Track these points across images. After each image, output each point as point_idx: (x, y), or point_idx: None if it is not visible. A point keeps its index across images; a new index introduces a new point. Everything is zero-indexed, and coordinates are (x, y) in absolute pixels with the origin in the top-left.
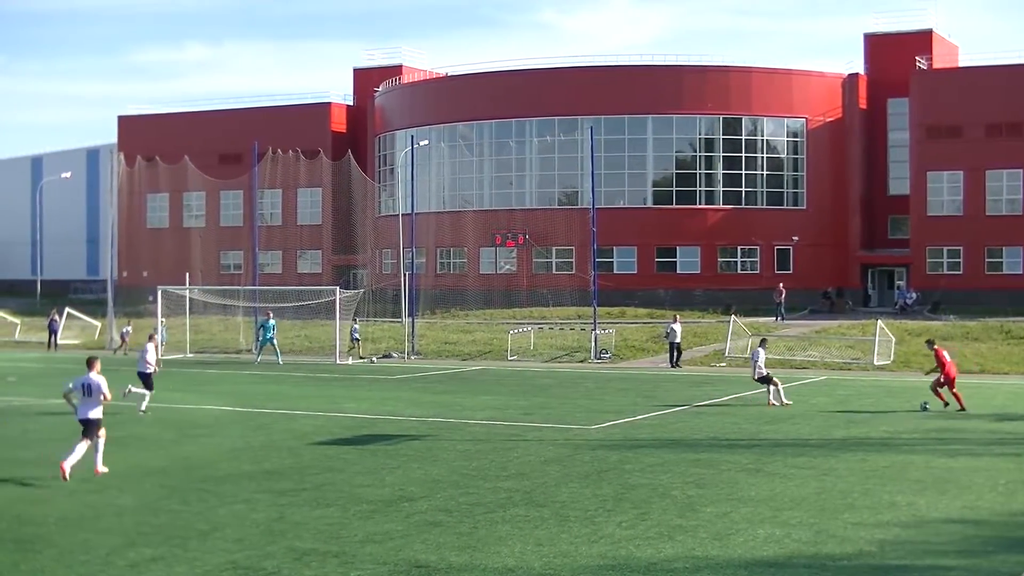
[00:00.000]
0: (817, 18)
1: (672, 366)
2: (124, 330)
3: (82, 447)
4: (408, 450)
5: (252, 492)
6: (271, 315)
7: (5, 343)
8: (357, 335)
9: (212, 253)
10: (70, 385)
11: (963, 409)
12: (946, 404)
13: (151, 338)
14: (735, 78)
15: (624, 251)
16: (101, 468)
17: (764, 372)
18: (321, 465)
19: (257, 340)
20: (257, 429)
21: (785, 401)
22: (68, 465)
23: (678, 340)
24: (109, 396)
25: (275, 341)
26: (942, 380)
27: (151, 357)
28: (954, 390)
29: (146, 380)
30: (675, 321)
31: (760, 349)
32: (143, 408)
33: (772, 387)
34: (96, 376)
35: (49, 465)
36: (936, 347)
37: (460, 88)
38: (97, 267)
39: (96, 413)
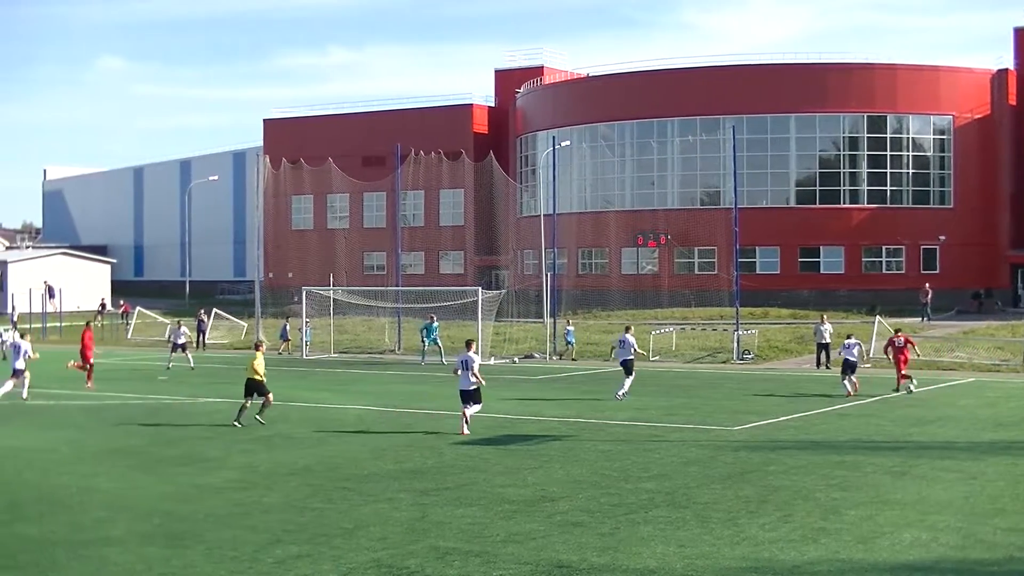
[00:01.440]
0: (963, 12)
1: (819, 367)
2: (284, 327)
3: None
4: (549, 450)
5: (395, 491)
6: (434, 318)
7: (157, 343)
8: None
9: (356, 254)
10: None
11: (901, 390)
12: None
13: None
14: (880, 75)
15: (767, 251)
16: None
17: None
18: (463, 465)
19: (422, 342)
20: (401, 428)
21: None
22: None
23: (826, 340)
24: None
25: (439, 341)
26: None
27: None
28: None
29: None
30: (823, 321)
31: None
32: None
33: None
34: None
35: (196, 462)
36: (903, 335)
37: (601, 88)
38: (244, 268)
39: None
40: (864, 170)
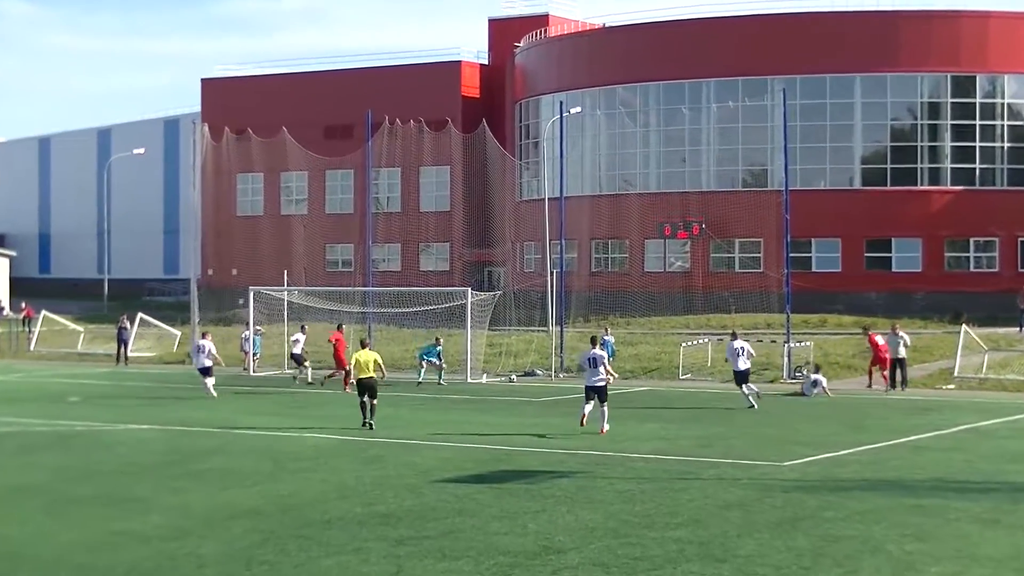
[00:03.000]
0: None
1: (892, 387)
2: (245, 336)
3: None
4: (555, 490)
5: (364, 540)
6: (440, 341)
7: (67, 355)
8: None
9: (317, 246)
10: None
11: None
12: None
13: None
14: (968, 25)
15: (825, 244)
16: None
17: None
18: (448, 507)
19: (420, 366)
20: (369, 462)
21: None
22: None
23: (901, 355)
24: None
25: (441, 356)
26: (874, 362)
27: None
28: (884, 371)
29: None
30: (895, 332)
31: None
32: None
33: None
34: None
35: (117, 503)
36: (870, 333)
37: (620, 42)
38: (176, 264)
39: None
40: (947, 143)
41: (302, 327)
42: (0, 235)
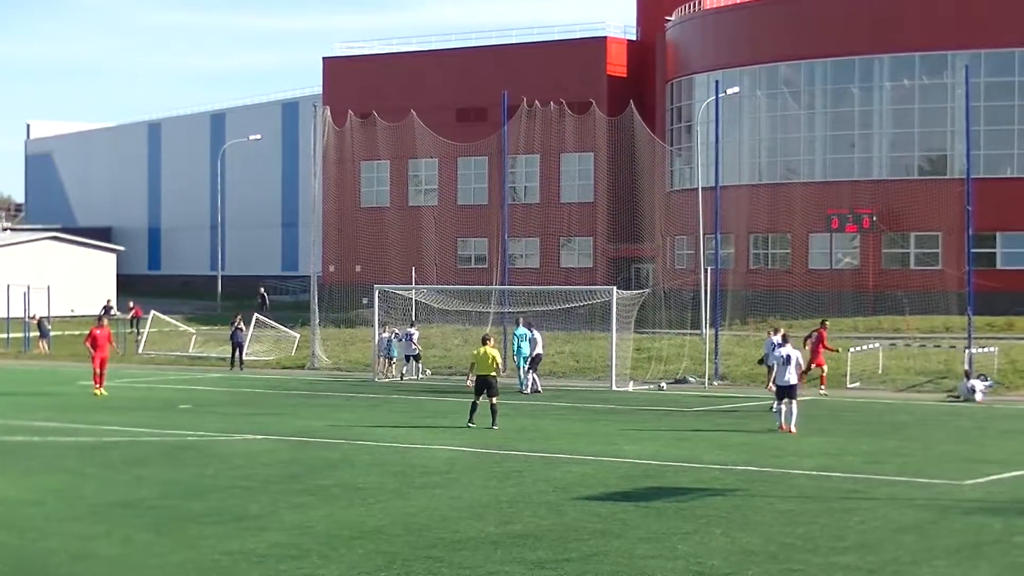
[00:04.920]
0: None
1: None
2: (390, 336)
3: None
4: (708, 509)
5: (498, 563)
6: (524, 322)
7: (178, 359)
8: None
9: (448, 241)
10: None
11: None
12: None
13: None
14: None
15: (1012, 238)
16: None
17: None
18: (591, 528)
19: (515, 362)
20: (505, 477)
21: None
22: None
23: None
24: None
25: (524, 361)
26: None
27: None
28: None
29: None
30: None
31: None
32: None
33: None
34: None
35: (230, 520)
36: (822, 330)
37: (783, 14)
38: (295, 259)
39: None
40: None
41: (412, 323)
42: (106, 229)
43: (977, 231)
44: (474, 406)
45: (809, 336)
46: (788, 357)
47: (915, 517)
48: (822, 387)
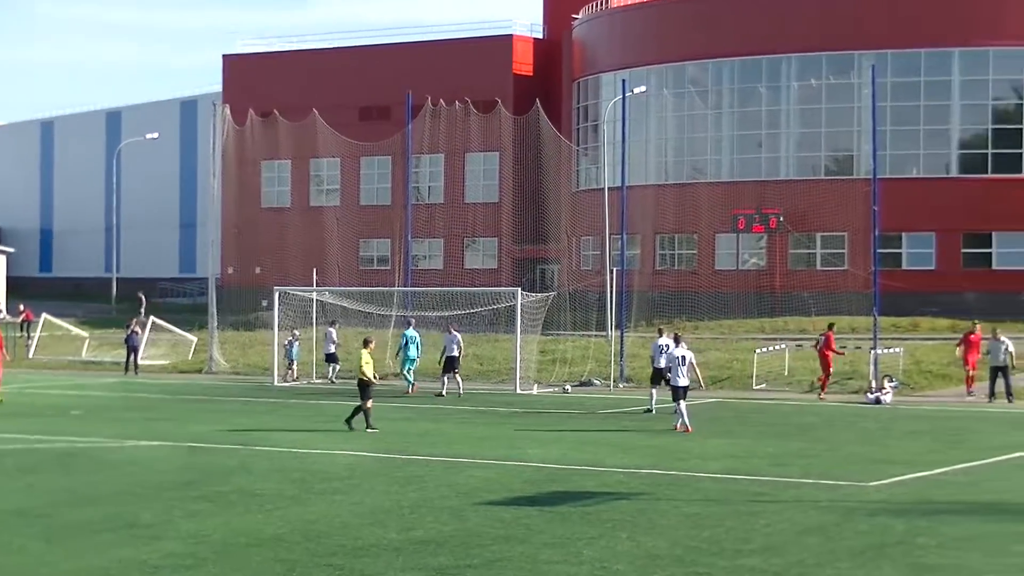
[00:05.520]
0: None
1: (993, 399)
2: (288, 342)
3: None
4: (614, 513)
5: (400, 569)
6: (412, 323)
7: (70, 363)
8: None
9: (349, 242)
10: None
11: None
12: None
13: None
14: None
15: (918, 239)
16: None
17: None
18: (494, 533)
19: (402, 364)
20: (407, 483)
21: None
22: None
23: (1002, 362)
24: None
25: (413, 366)
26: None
27: None
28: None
29: None
30: (997, 337)
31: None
32: None
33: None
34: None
35: (123, 528)
36: (829, 333)
37: (689, 14)
38: (193, 262)
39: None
40: None
41: (332, 323)
42: None
43: (883, 231)
44: (357, 410)
45: (817, 342)
46: (683, 358)
47: (820, 519)
48: (822, 394)
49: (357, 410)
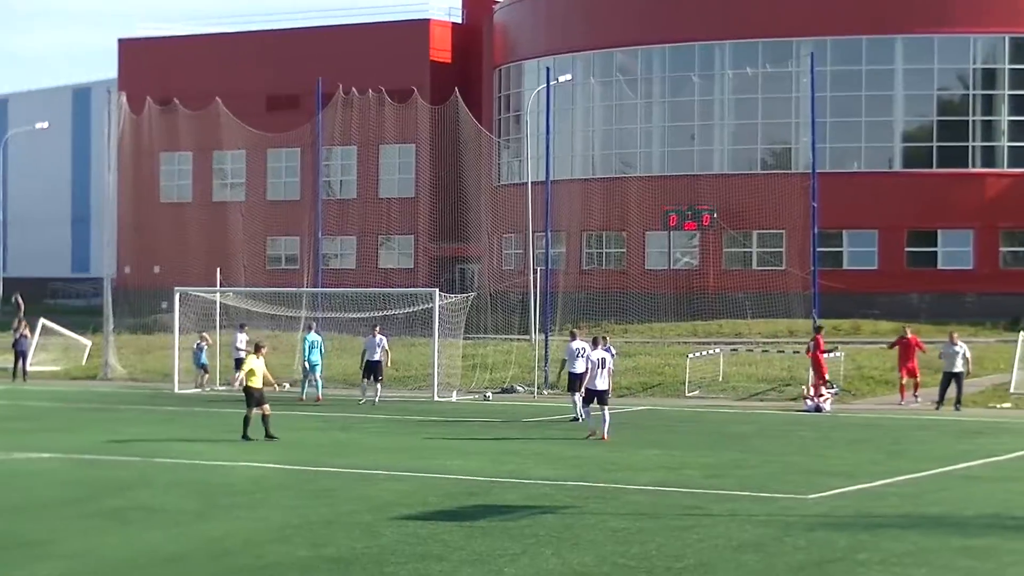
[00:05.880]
0: None
1: (941, 406)
2: (197, 346)
3: None
4: (538, 528)
5: None
6: (314, 327)
7: None
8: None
9: (256, 240)
10: None
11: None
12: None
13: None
14: None
15: (860, 237)
16: None
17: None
18: (409, 550)
19: (306, 369)
20: (317, 497)
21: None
22: None
23: (958, 369)
24: None
25: (318, 370)
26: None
27: None
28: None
29: None
30: (953, 341)
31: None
32: None
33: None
34: None
35: (9, 548)
36: (819, 336)
37: None
38: (87, 260)
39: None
40: (1004, 118)
41: (242, 326)
42: None
43: (823, 229)
44: (247, 418)
45: (808, 347)
46: (602, 361)
47: (756, 534)
48: (815, 397)
49: (246, 421)
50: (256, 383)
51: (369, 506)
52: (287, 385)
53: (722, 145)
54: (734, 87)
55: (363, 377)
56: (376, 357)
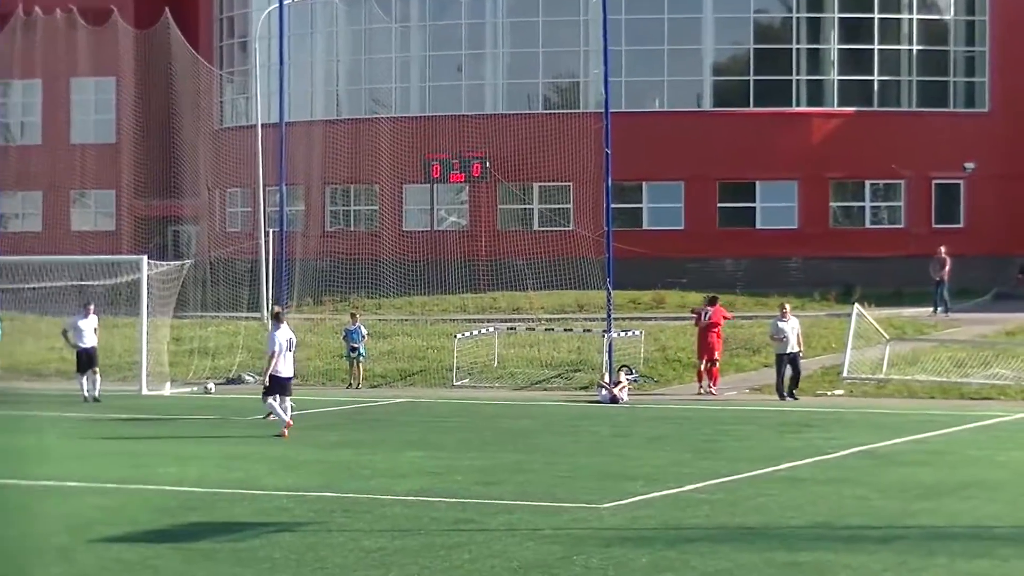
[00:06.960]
0: None
1: (782, 397)
2: None
3: None
4: (274, 550)
5: None
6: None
7: None
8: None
9: None
10: None
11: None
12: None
13: None
14: None
15: (663, 190)
16: None
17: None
18: None
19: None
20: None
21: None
22: None
23: (793, 349)
24: None
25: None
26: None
27: None
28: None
29: None
30: (784, 315)
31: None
32: None
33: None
34: None
35: None
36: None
37: None
38: None
39: None
40: (834, 47)
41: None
42: None
43: (618, 181)
44: None
45: (698, 318)
46: (290, 341)
47: (541, 552)
48: (712, 386)
49: None
50: None
51: (65, 526)
52: None
53: (495, 79)
54: (510, 8)
55: (78, 370)
56: (92, 344)
